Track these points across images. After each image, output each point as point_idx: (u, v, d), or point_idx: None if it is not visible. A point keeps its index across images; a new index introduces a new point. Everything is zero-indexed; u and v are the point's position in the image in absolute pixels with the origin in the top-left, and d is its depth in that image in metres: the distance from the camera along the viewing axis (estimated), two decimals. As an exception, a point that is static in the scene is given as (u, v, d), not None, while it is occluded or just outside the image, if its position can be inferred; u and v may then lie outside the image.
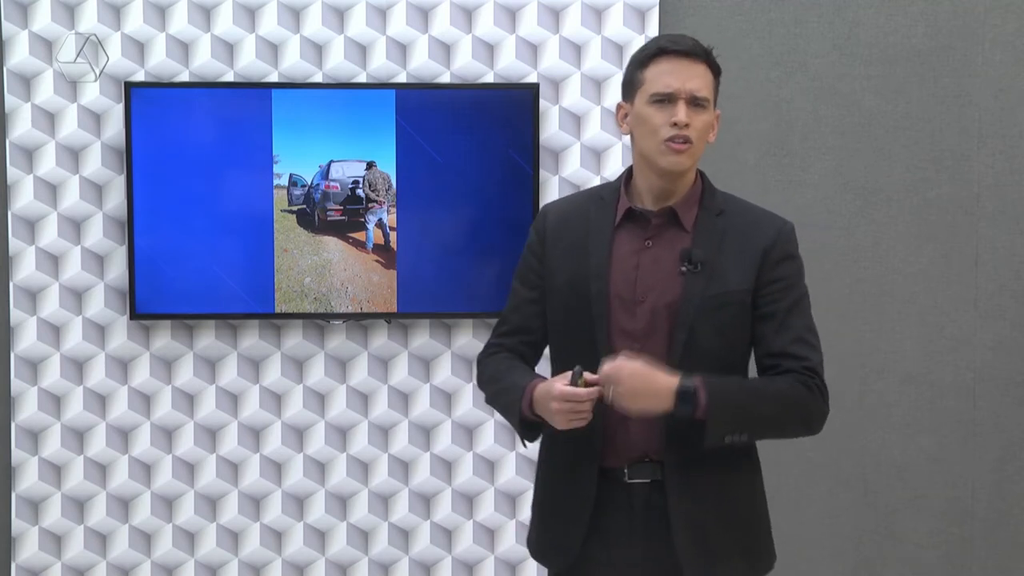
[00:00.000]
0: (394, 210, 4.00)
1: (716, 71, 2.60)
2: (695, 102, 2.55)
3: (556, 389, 2.51)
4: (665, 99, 2.55)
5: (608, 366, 2.48)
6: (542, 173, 4.05)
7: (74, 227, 4.05)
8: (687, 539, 2.57)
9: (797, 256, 2.64)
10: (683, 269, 2.56)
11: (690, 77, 2.55)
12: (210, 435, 4.11)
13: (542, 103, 4.04)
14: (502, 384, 2.71)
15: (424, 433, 4.13)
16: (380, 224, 4.01)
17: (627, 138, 4.05)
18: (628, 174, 2.68)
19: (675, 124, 2.53)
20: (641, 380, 2.47)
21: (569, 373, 2.52)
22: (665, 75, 2.55)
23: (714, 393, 2.50)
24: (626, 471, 2.61)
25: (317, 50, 4.07)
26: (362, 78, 4.06)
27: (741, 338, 2.60)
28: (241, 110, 3.96)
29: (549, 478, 2.73)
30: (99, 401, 4.08)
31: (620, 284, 2.60)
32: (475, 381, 4.09)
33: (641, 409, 2.50)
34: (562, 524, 2.67)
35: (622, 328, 2.59)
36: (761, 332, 2.60)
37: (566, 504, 2.66)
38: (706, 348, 2.56)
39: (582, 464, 2.63)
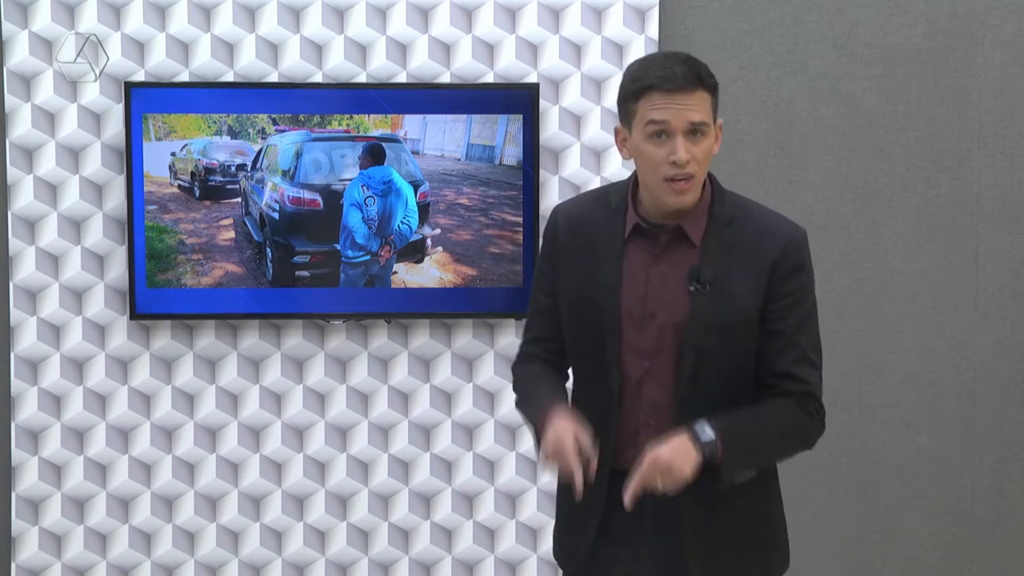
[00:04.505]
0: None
1: (713, 90, 2.51)
2: (694, 130, 2.48)
3: (558, 438, 2.48)
4: (661, 132, 2.47)
5: (645, 466, 2.45)
6: (542, 173, 4.05)
7: (74, 227, 4.05)
8: (695, 540, 2.57)
9: (807, 267, 2.59)
10: (692, 288, 2.53)
11: (685, 108, 2.47)
12: (210, 435, 4.11)
13: (542, 103, 4.04)
14: (528, 392, 2.68)
15: (424, 433, 4.13)
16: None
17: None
18: (635, 181, 2.62)
19: (674, 163, 2.47)
20: (670, 453, 2.45)
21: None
22: (659, 110, 2.47)
23: (728, 436, 2.49)
24: None
25: (317, 50, 4.07)
26: (362, 78, 4.06)
27: (749, 355, 2.57)
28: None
29: (565, 482, 2.71)
30: (99, 401, 4.08)
31: (630, 300, 2.56)
32: (474, 382, 4.09)
33: (686, 475, 2.46)
34: (576, 526, 2.67)
35: (631, 345, 2.57)
36: (766, 349, 2.57)
37: (580, 506, 2.65)
38: (715, 367, 2.54)
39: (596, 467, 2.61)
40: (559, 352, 2.71)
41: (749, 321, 2.55)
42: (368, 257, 4.05)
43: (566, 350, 2.70)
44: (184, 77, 4.04)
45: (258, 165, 4.02)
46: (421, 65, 4.07)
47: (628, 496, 2.46)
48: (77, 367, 4.07)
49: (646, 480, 2.44)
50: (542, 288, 2.70)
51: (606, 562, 2.64)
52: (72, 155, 4.04)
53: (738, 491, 2.57)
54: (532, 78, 4.07)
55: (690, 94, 2.47)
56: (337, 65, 4.06)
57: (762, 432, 2.56)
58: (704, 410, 2.53)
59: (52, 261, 4.05)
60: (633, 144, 2.53)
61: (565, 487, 2.72)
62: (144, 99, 3.97)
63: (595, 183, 4.06)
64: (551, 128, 4.07)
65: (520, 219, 4.02)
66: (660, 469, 2.43)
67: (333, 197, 4.02)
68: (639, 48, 4.05)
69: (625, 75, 2.55)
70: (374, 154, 4.01)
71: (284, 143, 4.01)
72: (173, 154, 4.00)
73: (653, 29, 4.07)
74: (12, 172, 4.03)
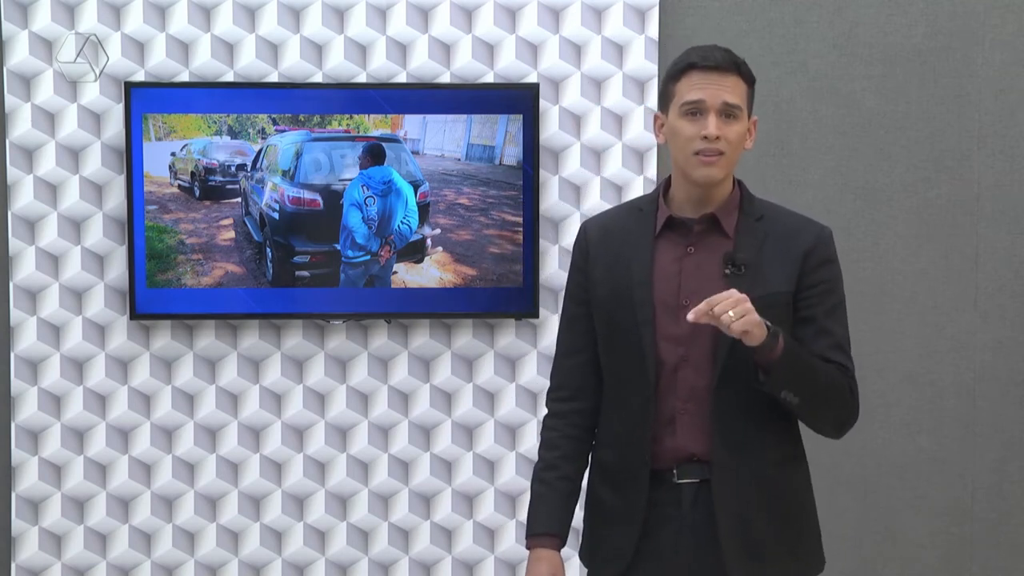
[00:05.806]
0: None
1: (749, 81, 2.62)
2: (727, 111, 2.57)
3: None
4: (696, 110, 2.58)
5: (719, 295, 2.46)
6: (542, 173, 4.05)
7: (74, 227, 4.05)
8: (732, 537, 2.59)
9: (836, 261, 2.69)
10: (726, 272, 2.59)
11: (721, 88, 2.57)
12: (210, 435, 4.11)
13: (542, 103, 4.04)
14: (536, 497, 2.76)
15: (424, 433, 4.13)
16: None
17: (631, 139, 4.05)
18: (666, 184, 2.70)
19: (705, 137, 2.56)
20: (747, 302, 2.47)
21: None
22: (696, 88, 2.58)
23: (790, 342, 2.53)
24: (675, 472, 2.62)
25: (317, 50, 4.07)
26: (362, 78, 4.06)
27: None
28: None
29: (600, 487, 2.73)
30: (99, 401, 4.08)
31: (663, 291, 2.62)
32: (474, 382, 4.09)
33: (748, 326, 2.46)
34: (616, 530, 2.68)
35: (666, 334, 2.61)
36: (800, 335, 2.62)
37: (618, 510, 2.67)
38: (751, 350, 2.54)
39: (633, 469, 2.64)
40: (590, 363, 2.73)
41: (784, 304, 2.61)
42: (368, 257, 4.05)
43: (595, 359, 2.73)
44: (184, 77, 4.04)
45: (258, 165, 4.02)
46: (421, 65, 4.07)
47: (692, 312, 2.47)
48: (77, 367, 4.07)
49: (717, 305, 2.44)
50: (573, 298, 2.76)
51: (652, 568, 2.65)
52: (72, 155, 4.04)
53: (771, 482, 2.61)
54: (532, 78, 4.07)
55: (726, 76, 2.58)
56: (337, 65, 4.06)
57: (817, 365, 2.59)
58: (743, 394, 2.57)
59: (52, 261, 4.05)
60: (669, 125, 2.63)
61: (595, 494, 2.74)
62: (144, 99, 3.97)
63: (595, 183, 4.06)
64: (551, 128, 4.07)
65: (520, 219, 4.02)
66: (734, 296, 2.45)
67: (333, 197, 4.03)
68: (639, 48, 4.05)
69: (668, 67, 2.67)
70: (374, 154, 4.02)
71: (284, 143, 4.01)
72: (173, 154, 4.00)
73: (653, 29, 4.07)
74: (12, 172, 4.03)
